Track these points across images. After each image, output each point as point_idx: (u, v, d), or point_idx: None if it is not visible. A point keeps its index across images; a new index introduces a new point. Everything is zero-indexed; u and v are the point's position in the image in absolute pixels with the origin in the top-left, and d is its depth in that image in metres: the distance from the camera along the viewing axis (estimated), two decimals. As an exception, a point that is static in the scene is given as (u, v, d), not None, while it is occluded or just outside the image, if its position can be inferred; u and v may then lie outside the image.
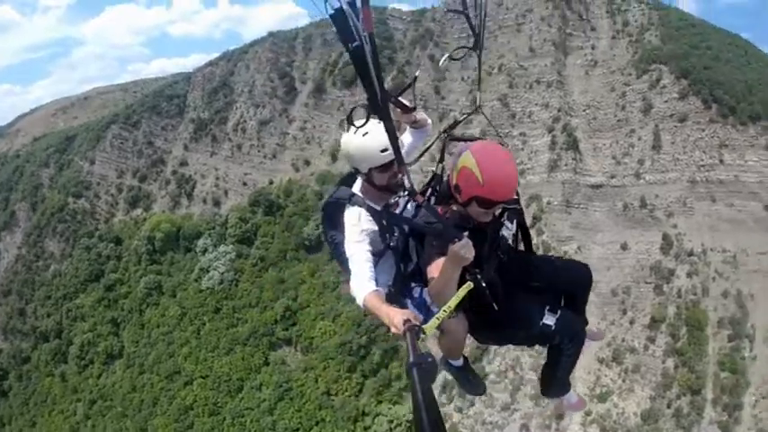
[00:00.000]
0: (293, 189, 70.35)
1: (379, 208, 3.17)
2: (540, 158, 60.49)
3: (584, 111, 63.28)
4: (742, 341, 48.01)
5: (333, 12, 1.73)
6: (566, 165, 59.73)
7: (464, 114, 4.06)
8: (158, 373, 61.59)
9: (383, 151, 3.00)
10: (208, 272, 65.36)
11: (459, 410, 50.40)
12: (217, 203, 75.70)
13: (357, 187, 3.27)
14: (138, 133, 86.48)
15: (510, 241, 3.32)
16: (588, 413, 47.11)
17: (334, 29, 1.78)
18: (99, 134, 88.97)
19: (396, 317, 2.47)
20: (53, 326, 73.87)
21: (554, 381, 3.58)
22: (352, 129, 2.83)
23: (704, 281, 51.07)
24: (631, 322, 51.49)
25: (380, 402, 50.85)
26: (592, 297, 3.35)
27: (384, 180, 3.13)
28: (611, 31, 67.40)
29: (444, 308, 2.62)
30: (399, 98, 3.09)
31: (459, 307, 2.80)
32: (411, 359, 1.90)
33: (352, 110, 2.52)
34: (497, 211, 3.16)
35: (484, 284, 2.97)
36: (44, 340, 73.47)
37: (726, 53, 64.32)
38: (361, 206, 3.13)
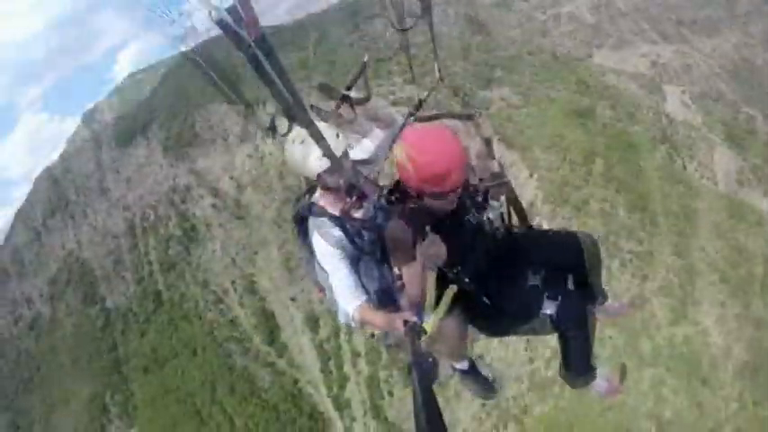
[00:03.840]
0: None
1: (338, 213, 2.82)
2: (453, 51, 62.75)
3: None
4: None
5: (216, 20, 1.39)
6: (477, 49, 61.92)
7: (427, 92, 3.56)
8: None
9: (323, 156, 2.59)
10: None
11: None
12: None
13: (317, 195, 2.90)
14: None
15: (499, 222, 2.99)
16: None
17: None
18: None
19: (395, 320, 2.44)
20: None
21: (570, 368, 3.13)
22: (290, 138, 2.70)
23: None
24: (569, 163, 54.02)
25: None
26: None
27: (336, 182, 2.74)
28: None
29: (434, 315, 2.53)
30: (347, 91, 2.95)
31: (449, 311, 2.65)
32: (411, 359, 1.92)
33: (272, 119, 2.30)
34: (457, 195, 2.66)
35: (467, 280, 2.70)
36: None
37: None
38: (321, 216, 2.81)
